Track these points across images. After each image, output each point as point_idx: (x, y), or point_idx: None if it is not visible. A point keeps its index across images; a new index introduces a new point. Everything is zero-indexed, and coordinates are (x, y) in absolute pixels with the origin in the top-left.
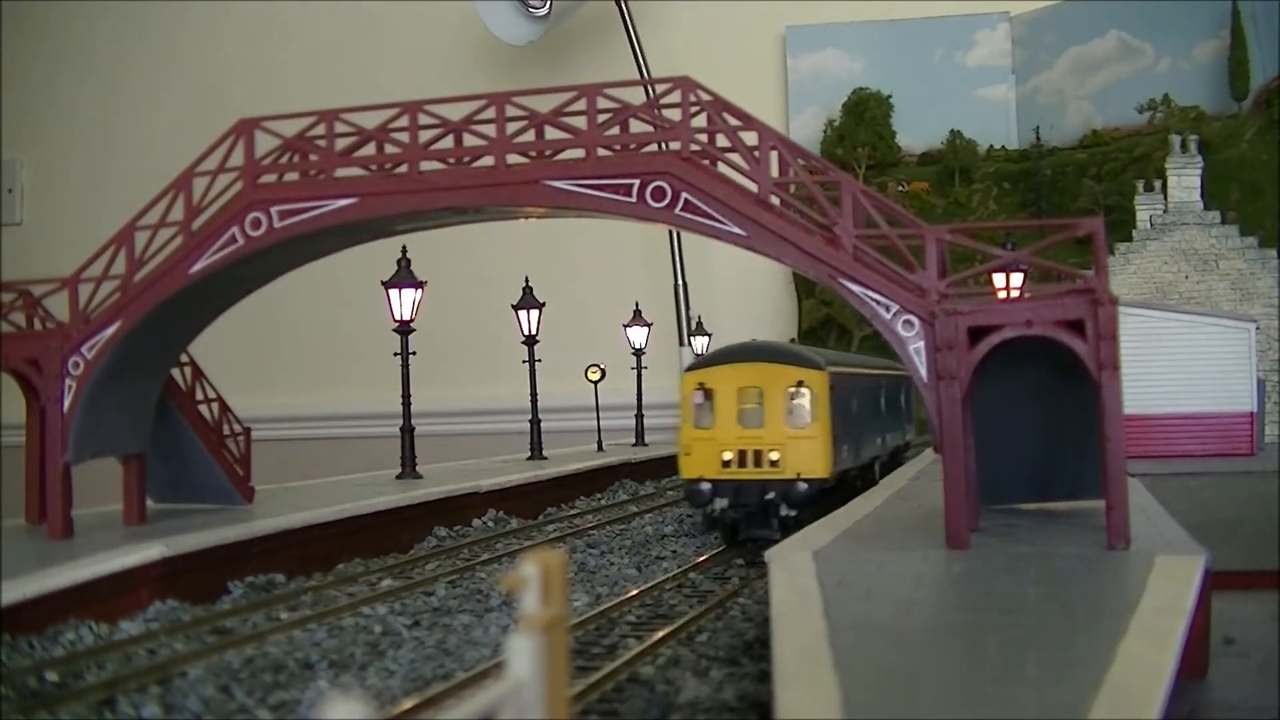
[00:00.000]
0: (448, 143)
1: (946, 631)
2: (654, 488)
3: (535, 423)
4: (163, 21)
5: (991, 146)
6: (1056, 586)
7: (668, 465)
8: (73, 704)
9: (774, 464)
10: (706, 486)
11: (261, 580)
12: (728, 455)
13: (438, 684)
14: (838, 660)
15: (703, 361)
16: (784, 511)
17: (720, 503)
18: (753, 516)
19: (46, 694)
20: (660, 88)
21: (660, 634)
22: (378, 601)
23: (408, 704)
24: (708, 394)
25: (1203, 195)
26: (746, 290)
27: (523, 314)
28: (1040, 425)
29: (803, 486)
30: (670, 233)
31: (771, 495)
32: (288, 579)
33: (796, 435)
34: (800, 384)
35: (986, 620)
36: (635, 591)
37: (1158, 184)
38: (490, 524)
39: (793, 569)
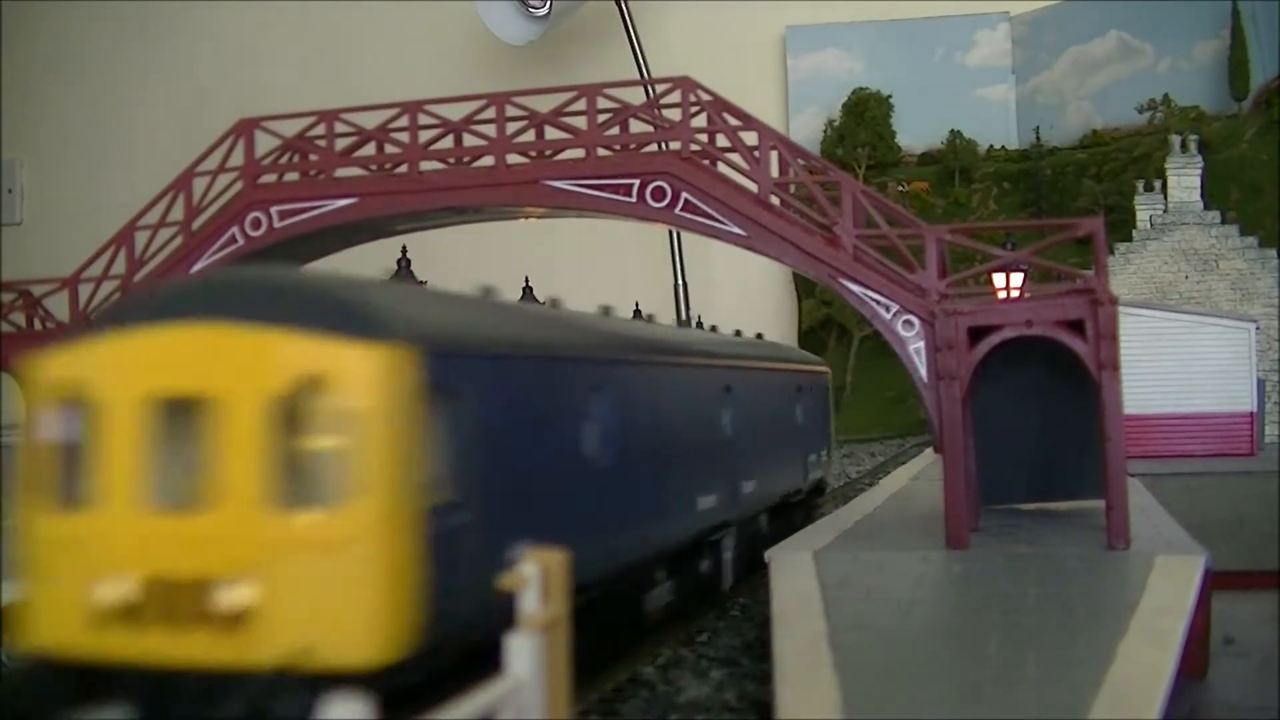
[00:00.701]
0: (448, 143)
1: (946, 631)
2: None
3: None
4: (163, 22)
5: (991, 146)
6: (1056, 586)
7: None
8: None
9: (234, 626)
10: (54, 685)
11: None
12: (115, 589)
13: None
14: (838, 660)
15: (85, 327)
16: None
17: None
18: None
19: None
20: (660, 88)
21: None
22: None
23: None
24: (87, 414)
25: (1203, 195)
26: (746, 290)
27: None
28: (1040, 425)
29: (301, 699)
30: (670, 233)
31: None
32: None
33: (299, 539)
34: (317, 381)
35: (987, 620)
36: None
37: (1158, 184)
38: None
39: (793, 569)
